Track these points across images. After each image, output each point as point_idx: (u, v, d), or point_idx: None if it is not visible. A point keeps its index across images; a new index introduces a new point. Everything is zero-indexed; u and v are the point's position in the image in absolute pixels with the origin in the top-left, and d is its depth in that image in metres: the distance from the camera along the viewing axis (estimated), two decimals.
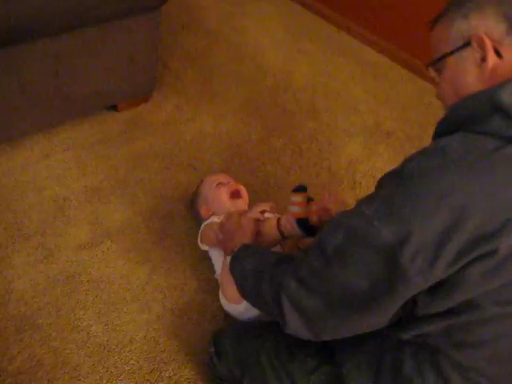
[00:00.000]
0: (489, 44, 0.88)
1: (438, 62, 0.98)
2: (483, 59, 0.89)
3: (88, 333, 1.46)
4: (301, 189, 1.36)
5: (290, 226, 1.32)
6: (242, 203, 1.65)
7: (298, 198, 1.35)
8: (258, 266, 1.12)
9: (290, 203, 1.35)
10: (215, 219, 1.58)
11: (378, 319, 0.91)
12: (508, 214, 0.78)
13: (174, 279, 1.61)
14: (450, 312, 0.86)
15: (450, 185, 0.79)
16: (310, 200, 1.37)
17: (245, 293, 1.17)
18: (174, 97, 2.28)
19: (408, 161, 0.87)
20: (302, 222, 1.30)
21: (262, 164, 2.03)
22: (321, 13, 2.94)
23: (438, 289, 0.83)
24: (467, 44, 0.91)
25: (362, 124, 2.28)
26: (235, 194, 1.64)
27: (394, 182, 0.87)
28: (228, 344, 1.27)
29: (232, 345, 1.26)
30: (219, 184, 1.66)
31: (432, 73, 1.02)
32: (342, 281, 0.89)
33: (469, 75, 0.92)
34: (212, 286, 1.59)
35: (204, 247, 1.60)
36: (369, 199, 0.90)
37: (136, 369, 1.41)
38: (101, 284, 1.57)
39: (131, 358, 1.43)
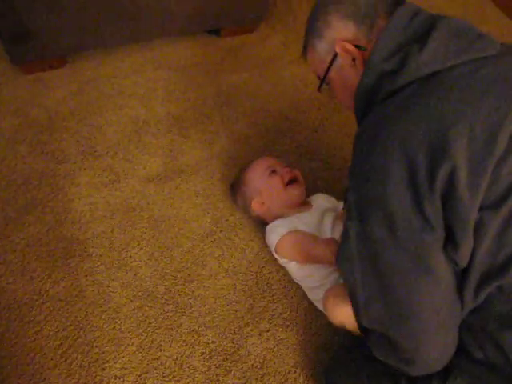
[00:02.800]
0: (350, 46, 0.98)
1: (323, 81, 1.08)
2: (353, 59, 1.00)
3: (135, 274, 1.38)
4: None
5: None
6: (300, 191, 1.43)
7: None
8: None
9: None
10: (279, 224, 1.38)
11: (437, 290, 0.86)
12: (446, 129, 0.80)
13: (237, 238, 1.48)
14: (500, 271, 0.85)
15: (387, 137, 0.85)
16: None
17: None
18: (282, 32, 2.07)
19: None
20: None
21: None
22: None
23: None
24: (335, 55, 1.02)
25: None
26: (292, 181, 1.41)
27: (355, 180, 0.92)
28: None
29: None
30: (273, 172, 1.43)
31: (325, 92, 1.12)
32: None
33: (351, 76, 1.02)
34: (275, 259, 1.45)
35: (283, 260, 1.38)
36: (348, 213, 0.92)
37: (175, 326, 1.31)
38: (161, 225, 1.48)
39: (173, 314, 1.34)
